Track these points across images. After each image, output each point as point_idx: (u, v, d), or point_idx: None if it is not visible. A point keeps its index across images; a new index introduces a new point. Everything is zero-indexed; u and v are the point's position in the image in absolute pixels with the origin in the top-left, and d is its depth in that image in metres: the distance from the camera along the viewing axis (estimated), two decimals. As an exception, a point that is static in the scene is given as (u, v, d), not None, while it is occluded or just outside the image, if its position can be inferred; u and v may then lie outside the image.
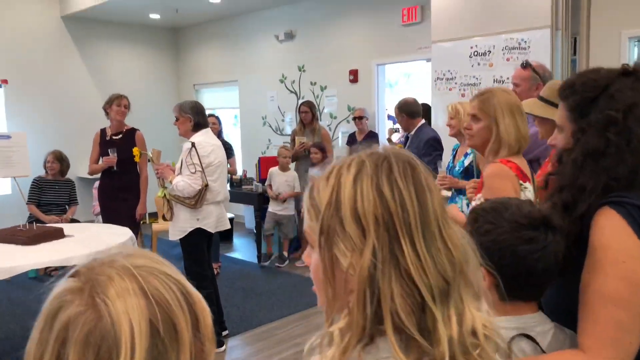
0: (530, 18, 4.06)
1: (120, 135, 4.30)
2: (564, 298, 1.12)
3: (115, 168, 4.21)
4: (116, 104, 4.23)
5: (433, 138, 3.76)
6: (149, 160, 3.92)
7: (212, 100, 8.23)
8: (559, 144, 1.22)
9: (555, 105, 1.87)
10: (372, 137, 5.80)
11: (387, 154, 0.69)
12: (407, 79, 6.96)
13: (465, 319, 0.65)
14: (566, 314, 1.11)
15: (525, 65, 2.41)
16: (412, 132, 3.89)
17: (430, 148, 3.71)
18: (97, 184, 5.35)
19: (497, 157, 1.78)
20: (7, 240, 3.12)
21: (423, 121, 3.97)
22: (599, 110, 1.11)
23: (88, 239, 3.25)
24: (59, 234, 3.24)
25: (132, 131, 4.35)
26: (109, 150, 4.19)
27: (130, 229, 3.61)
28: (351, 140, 5.93)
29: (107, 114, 4.30)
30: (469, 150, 3.28)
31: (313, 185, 0.71)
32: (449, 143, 3.72)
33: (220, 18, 7.61)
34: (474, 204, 1.82)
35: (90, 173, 4.47)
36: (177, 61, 8.56)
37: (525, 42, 4.10)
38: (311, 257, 0.73)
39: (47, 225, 3.67)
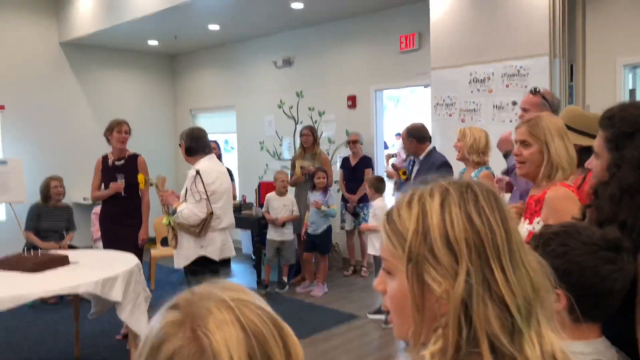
0: (528, 46, 4.16)
1: (123, 161, 4.29)
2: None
3: (123, 194, 4.19)
4: (117, 130, 4.22)
5: (445, 163, 3.81)
6: (150, 185, 3.90)
7: (208, 126, 8.23)
8: (594, 170, 1.26)
9: (573, 130, 1.93)
10: (366, 161, 5.86)
11: (469, 182, 0.71)
12: (396, 104, 7.03)
13: (545, 342, 0.67)
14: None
15: (535, 92, 2.48)
16: (421, 157, 3.93)
17: (443, 172, 3.74)
18: (95, 209, 5.29)
19: (551, 181, 1.77)
20: (12, 267, 3.07)
21: (431, 146, 4.02)
22: (634, 147, 1.14)
23: (94, 266, 3.21)
24: (64, 261, 3.20)
25: (134, 157, 4.34)
26: (117, 175, 4.17)
27: (134, 254, 3.57)
28: (345, 163, 5.98)
29: (108, 140, 4.29)
30: (473, 174, 3.33)
31: (391, 212, 0.72)
32: (455, 167, 3.77)
33: (218, 45, 7.69)
34: (528, 227, 1.81)
35: (94, 200, 4.42)
36: (175, 87, 8.61)
37: (524, 69, 4.20)
38: (387, 285, 0.73)
39: (52, 252, 3.61)
